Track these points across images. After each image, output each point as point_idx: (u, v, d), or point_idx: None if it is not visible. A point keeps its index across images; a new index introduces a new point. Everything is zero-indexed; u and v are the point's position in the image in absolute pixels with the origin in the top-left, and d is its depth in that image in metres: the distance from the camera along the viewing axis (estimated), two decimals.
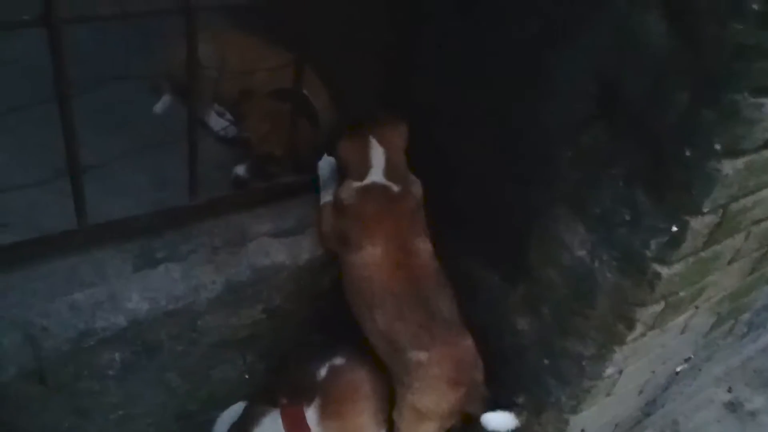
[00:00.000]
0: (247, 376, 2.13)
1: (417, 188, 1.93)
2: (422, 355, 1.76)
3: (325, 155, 2.10)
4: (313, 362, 2.05)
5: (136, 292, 1.77)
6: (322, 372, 2.01)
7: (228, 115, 2.48)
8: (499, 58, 1.80)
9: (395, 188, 1.87)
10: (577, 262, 1.73)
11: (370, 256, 1.80)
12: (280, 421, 1.90)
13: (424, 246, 1.86)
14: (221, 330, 1.95)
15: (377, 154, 1.91)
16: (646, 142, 1.50)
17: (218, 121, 2.45)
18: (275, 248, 2.01)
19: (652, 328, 1.74)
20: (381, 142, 1.92)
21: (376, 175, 1.89)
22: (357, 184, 1.89)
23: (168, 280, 1.83)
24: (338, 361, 2.02)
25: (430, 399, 1.81)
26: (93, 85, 2.33)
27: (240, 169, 2.12)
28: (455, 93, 1.97)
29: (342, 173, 1.97)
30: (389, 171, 1.89)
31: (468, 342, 1.84)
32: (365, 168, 1.91)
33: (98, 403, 1.81)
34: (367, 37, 2.21)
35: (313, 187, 2.09)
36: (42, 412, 1.71)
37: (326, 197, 2.02)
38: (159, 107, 2.46)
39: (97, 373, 1.75)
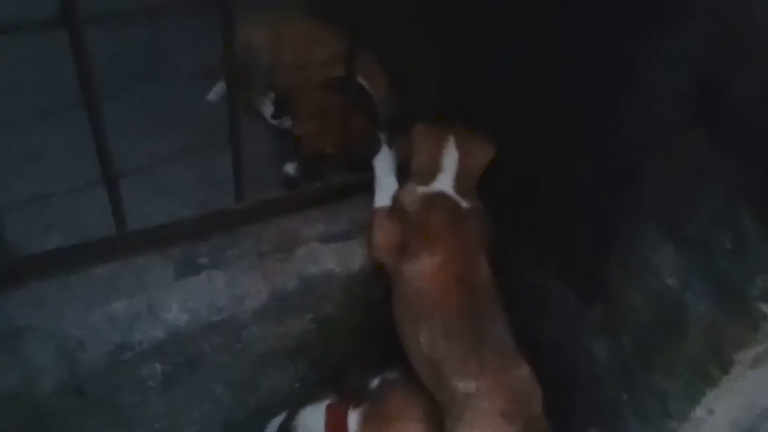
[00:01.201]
0: (297, 385, 2.02)
1: (483, 209, 1.73)
2: (470, 385, 1.57)
3: (384, 150, 1.92)
4: (367, 370, 1.95)
5: (177, 302, 1.68)
6: (375, 382, 1.90)
7: None
8: (578, 53, 1.55)
9: (464, 204, 1.68)
10: (664, 289, 1.50)
11: (426, 266, 1.62)
12: (322, 414, 1.83)
13: (484, 266, 1.66)
14: (268, 340, 1.83)
15: (451, 158, 1.71)
16: (754, 154, 1.25)
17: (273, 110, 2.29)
18: (325, 254, 1.86)
19: (752, 368, 1.48)
20: (459, 148, 1.71)
21: (445, 182, 1.70)
22: (422, 189, 1.70)
23: (210, 289, 1.72)
24: (391, 375, 1.89)
25: None
26: (140, 79, 2.25)
27: (290, 168, 1.97)
28: (530, 91, 1.73)
29: (403, 170, 1.79)
30: (459, 182, 1.69)
31: (523, 371, 1.63)
32: (434, 169, 1.73)
33: (141, 415, 1.74)
34: (432, 18, 1.99)
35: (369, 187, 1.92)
36: (82, 425, 1.66)
37: (382, 200, 1.85)
38: (213, 95, 2.34)
39: (138, 385, 1.68)
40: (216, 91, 2.33)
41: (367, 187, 1.94)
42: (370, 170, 1.93)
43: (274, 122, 2.24)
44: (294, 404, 1.99)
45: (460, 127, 1.76)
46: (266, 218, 1.88)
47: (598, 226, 1.62)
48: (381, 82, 2.13)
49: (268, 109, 2.27)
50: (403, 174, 1.82)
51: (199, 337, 1.70)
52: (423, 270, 1.60)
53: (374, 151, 1.96)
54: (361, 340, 2.01)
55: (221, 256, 1.78)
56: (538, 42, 1.66)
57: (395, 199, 1.78)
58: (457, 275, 1.60)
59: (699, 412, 1.54)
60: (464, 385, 1.57)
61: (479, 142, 1.77)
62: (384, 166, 1.90)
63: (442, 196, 1.66)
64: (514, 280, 1.80)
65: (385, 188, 1.86)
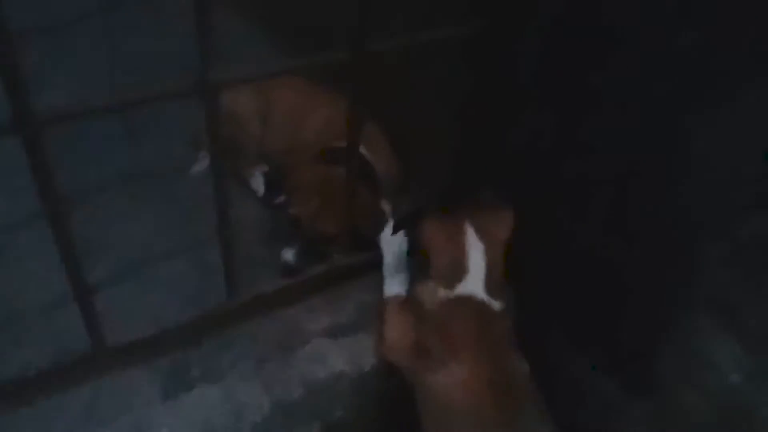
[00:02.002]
0: None
1: (511, 298, 1.51)
2: None
3: (390, 225, 1.72)
4: None
5: (167, 427, 1.45)
6: None
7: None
8: (623, 119, 1.36)
9: (496, 305, 1.44)
10: (728, 388, 1.30)
11: (455, 378, 1.40)
12: None
13: (519, 364, 1.44)
14: None
15: (476, 255, 1.45)
16: None
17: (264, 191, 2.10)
18: (333, 352, 1.65)
19: None
20: (482, 236, 1.46)
21: (474, 284, 1.44)
22: (445, 293, 1.44)
23: (204, 406, 1.50)
24: None
25: None
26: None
27: (288, 254, 1.76)
28: (562, 161, 1.54)
29: (419, 266, 1.55)
30: (490, 281, 1.44)
31: None
32: (459, 272, 1.46)
33: None
34: (442, 78, 1.79)
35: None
36: None
37: (394, 288, 1.64)
38: (197, 167, 2.13)
39: None
40: (201, 163, 2.13)
41: (375, 265, 1.74)
42: (377, 248, 1.73)
43: (268, 198, 2.04)
44: None
45: (473, 207, 1.53)
46: (264, 312, 1.68)
47: (647, 313, 1.42)
48: (384, 150, 1.94)
49: (258, 184, 2.07)
50: (416, 260, 1.60)
51: None
52: (452, 382, 1.39)
53: (380, 227, 1.76)
54: None
55: (214, 364, 1.57)
56: (573, 105, 1.47)
57: (412, 293, 1.55)
58: (492, 382, 1.39)
59: None
60: None
61: (496, 214, 1.55)
62: (392, 246, 1.70)
63: (470, 300, 1.44)
64: (549, 369, 1.60)
65: (396, 273, 1.66)
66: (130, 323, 1.54)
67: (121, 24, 2.78)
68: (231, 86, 2.01)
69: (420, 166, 1.95)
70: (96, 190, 2.01)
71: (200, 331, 1.60)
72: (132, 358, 1.52)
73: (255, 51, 2.65)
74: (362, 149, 1.66)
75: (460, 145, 1.76)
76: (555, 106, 1.51)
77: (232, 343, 1.62)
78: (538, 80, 1.53)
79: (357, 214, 1.70)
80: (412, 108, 1.81)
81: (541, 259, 1.61)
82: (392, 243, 1.68)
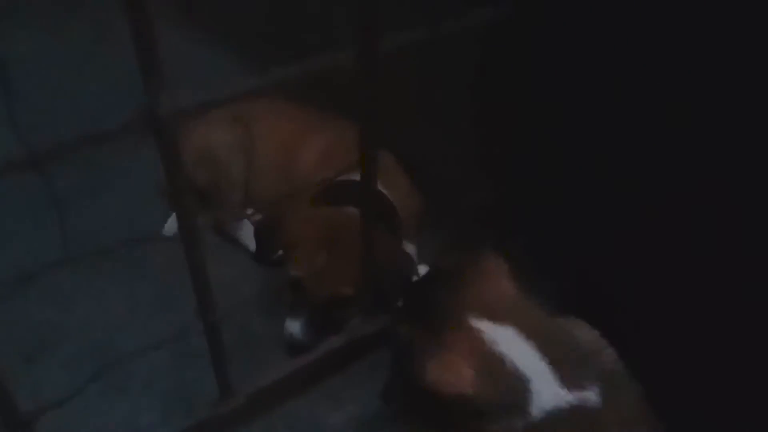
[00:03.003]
0: None
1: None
2: None
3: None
4: None
5: None
6: None
7: None
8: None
9: (592, 397, 0.89)
10: None
11: None
12: None
13: None
14: None
15: (520, 350, 0.91)
16: None
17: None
18: None
19: None
20: (516, 324, 0.92)
21: (547, 389, 0.89)
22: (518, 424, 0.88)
23: None
24: None
25: None
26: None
27: (293, 327, 1.36)
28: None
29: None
30: (559, 365, 0.90)
31: None
32: (511, 387, 0.90)
33: None
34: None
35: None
36: None
37: None
38: (168, 227, 1.73)
39: None
40: (172, 223, 1.74)
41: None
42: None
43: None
44: None
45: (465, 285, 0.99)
46: (271, 407, 1.29)
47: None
48: (401, 180, 1.55)
49: (249, 236, 1.67)
50: None
51: None
52: None
53: (408, 274, 1.38)
54: None
55: None
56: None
57: None
58: None
59: None
60: None
61: (500, 279, 1.02)
62: None
63: (560, 416, 0.88)
64: None
65: None
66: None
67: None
68: (203, 120, 1.70)
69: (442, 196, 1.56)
70: (48, 264, 1.62)
71: None
72: None
73: (223, 73, 2.28)
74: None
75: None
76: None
77: None
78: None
79: (377, 266, 1.31)
80: (428, 129, 1.44)
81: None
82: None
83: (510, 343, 0.88)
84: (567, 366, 0.90)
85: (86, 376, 1.31)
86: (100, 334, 1.46)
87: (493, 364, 0.88)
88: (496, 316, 0.91)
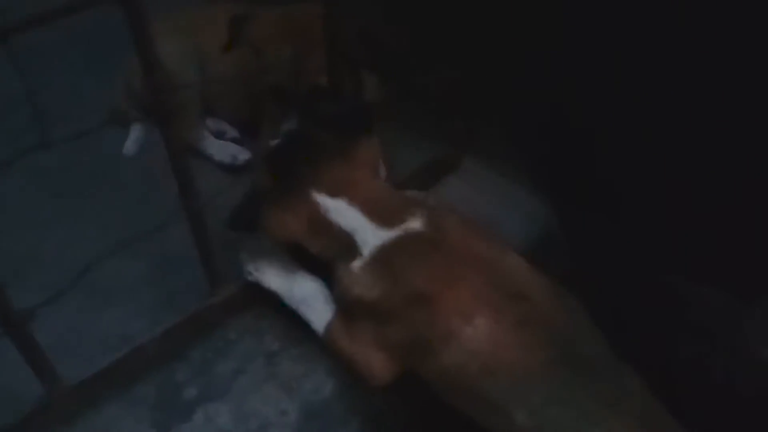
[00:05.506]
0: None
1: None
2: None
3: (291, 279, 1.28)
4: None
5: None
6: None
7: (232, 131, 1.74)
8: None
9: (416, 225, 1.09)
10: None
11: (474, 341, 1.03)
12: None
13: (518, 264, 1.09)
14: None
15: (346, 215, 1.12)
16: None
17: (220, 146, 1.69)
18: None
19: None
20: (335, 193, 1.13)
21: (370, 234, 1.10)
22: (356, 264, 1.10)
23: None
24: None
25: None
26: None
27: (291, 125, 1.27)
28: None
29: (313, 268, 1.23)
30: (380, 216, 1.11)
31: None
32: (342, 240, 1.12)
33: None
34: None
35: None
36: None
37: (323, 315, 1.21)
38: (129, 145, 1.71)
39: None
40: (132, 139, 1.72)
41: None
42: None
43: (227, 162, 1.64)
44: None
45: (313, 170, 1.16)
46: (265, 296, 1.31)
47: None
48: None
49: (213, 146, 1.67)
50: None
51: None
52: (473, 348, 1.04)
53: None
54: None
55: (213, 375, 1.21)
56: None
57: (339, 299, 1.18)
58: (511, 314, 1.04)
59: None
60: None
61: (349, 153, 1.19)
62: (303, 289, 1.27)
63: (383, 251, 1.09)
64: (627, 287, 1.30)
65: (314, 299, 1.24)
66: (87, 351, 1.18)
67: None
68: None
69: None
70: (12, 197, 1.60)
71: (182, 341, 1.23)
72: (102, 394, 1.14)
73: None
74: None
75: None
76: None
77: (229, 346, 1.26)
78: None
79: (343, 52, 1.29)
80: None
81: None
82: (295, 285, 1.26)
83: (338, 210, 1.12)
84: (387, 214, 1.11)
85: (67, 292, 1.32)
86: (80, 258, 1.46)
87: (322, 226, 1.13)
88: (333, 192, 1.13)
